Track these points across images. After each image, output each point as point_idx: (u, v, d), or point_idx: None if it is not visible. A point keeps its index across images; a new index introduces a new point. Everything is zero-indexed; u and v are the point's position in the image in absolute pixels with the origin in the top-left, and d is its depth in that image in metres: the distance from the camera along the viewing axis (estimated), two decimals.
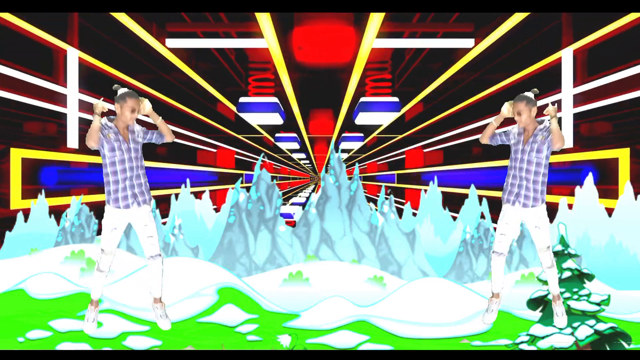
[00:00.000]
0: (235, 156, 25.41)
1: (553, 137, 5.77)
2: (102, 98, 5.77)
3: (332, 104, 17.73)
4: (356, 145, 28.70)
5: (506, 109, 5.91)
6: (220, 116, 19.75)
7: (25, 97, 10.95)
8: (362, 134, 25.78)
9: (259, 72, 13.66)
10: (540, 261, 6.11)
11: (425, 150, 24.33)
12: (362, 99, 14.21)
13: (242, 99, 13.95)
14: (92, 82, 12.53)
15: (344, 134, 24.95)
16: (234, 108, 15.96)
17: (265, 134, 22.09)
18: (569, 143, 11.33)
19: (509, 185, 6.00)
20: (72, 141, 11.80)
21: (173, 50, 11.69)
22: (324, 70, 13.37)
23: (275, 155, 33.05)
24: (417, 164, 25.14)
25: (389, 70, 13.68)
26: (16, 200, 10.28)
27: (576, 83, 11.86)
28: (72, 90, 12.01)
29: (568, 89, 11.89)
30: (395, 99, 14.02)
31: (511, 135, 6.02)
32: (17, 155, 10.60)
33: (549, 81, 12.32)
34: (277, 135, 20.44)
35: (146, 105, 5.80)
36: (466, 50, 11.26)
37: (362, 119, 14.83)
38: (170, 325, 6.29)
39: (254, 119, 15.07)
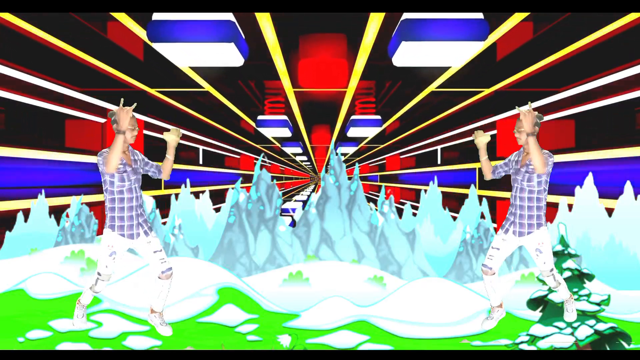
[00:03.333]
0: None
1: (532, 159, 5.46)
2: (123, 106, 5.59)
3: (329, 121, 20.45)
4: (350, 150, 28.61)
5: (477, 139, 5.84)
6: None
7: None
8: (355, 142, 26.24)
9: (273, 97, 16.36)
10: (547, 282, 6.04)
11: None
12: (352, 117, 16.81)
13: (260, 117, 16.62)
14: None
15: (339, 142, 25.86)
16: (253, 124, 18.05)
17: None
18: None
19: (508, 212, 5.90)
20: None
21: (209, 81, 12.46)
22: (322, 97, 15.64)
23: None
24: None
25: (373, 94, 16.23)
26: None
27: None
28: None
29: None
30: (378, 117, 16.50)
31: (510, 163, 5.88)
32: None
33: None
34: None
35: (176, 138, 5.74)
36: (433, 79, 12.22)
37: (353, 132, 17.77)
38: (171, 331, 6.25)
39: (269, 133, 18.06)
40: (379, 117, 16.64)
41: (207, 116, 18.02)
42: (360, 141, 26.38)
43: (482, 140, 5.78)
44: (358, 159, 41.03)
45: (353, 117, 17.00)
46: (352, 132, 17.93)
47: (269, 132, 18.16)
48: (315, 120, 21.15)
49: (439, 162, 24.76)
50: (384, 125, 19.40)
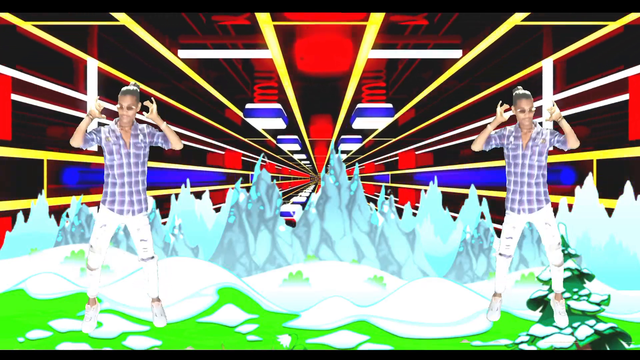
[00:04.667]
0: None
1: (569, 138, 5.68)
2: (99, 97, 5.78)
3: (331, 109, 17.62)
4: (354, 147, 26.21)
5: (500, 113, 5.80)
6: (227, 121, 17.68)
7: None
8: (360, 136, 23.66)
9: (263, 81, 13.94)
10: (550, 260, 6.11)
11: None
12: (359, 105, 14.59)
13: (248, 105, 14.25)
14: (110, 89, 12.77)
15: (342, 137, 23.39)
16: (240, 113, 15.89)
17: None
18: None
19: (511, 193, 5.89)
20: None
21: (185, 61, 11.81)
22: (323, 79, 13.55)
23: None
24: None
25: (383, 78, 13.85)
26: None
27: (556, 90, 12.29)
28: (91, 96, 12.43)
29: (548, 96, 12.46)
30: (389, 105, 14.27)
31: (506, 139, 5.88)
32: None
33: (530, 89, 12.67)
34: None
35: (153, 109, 5.74)
36: (454, 60, 11.50)
37: (359, 123, 15.27)
38: (165, 323, 6.33)
39: (259, 124, 15.49)
40: (390, 105, 14.13)
41: (186, 104, 15.75)
42: (367, 134, 22.62)
43: (504, 116, 5.75)
44: (363, 156, 36.44)
45: (359, 105, 14.48)
46: (359, 123, 15.02)
47: (259, 123, 15.43)
48: (315, 109, 18.11)
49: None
50: (397, 115, 16.52)
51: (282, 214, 10.57)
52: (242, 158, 26.71)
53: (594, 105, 11.42)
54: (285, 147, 25.76)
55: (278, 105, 14.38)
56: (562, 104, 12.21)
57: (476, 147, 5.83)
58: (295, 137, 23.48)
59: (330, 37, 10.39)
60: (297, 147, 25.73)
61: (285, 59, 11.22)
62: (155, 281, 6.21)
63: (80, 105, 12.38)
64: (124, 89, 5.69)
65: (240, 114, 15.69)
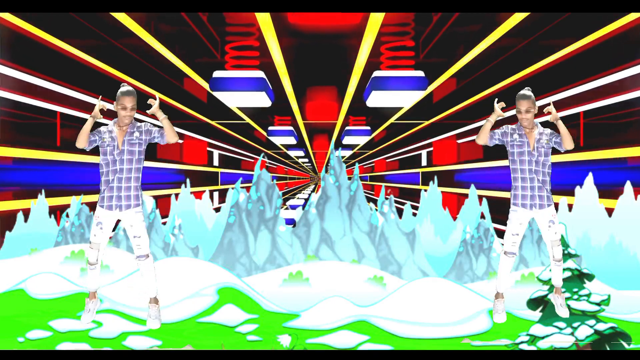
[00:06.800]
0: None
1: (564, 140, 5.79)
2: (101, 97, 5.83)
3: (336, 80, 12.35)
4: (361, 140, 19.50)
5: (496, 109, 5.88)
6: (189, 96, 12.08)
7: None
8: (368, 128, 17.52)
9: (239, 38, 9.93)
10: (552, 255, 6.15)
11: None
12: (376, 74, 10.65)
13: (217, 73, 10.42)
14: (17, 51, 9.06)
15: (347, 127, 17.48)
16: (206, 85, 11.41)
17: None
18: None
19: (520, 189, 5.98)
20: None
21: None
22: (325, 35, 9.78)
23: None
24: None
25: (411, 35, 9.82)
26: None
27: None
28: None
29: None
30: (420, 74, 10.47)
31: (509, 136, 5.97)
32: None
33: (622, 52, 9.12)
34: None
35: (156, 104, 5.83)
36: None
37: (375, 99, 11.04)
38: (158, 325, 6.37)
39: (233, 100, 11.02)
40: (421, 73, 10.39)
41: (128, 72, 11.12)
42: (388, 115, 15.89)
43: (500, 112, 5.86)
44: (376, 149, 27.15)
45: (377, 73, 10.54)
46: (376, 99, 10.89)
47: (232, 100, 11.15)
48: (313, 80, 12.90)
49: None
50: (431, 88, 11.79)
51: (288, 221, 10.40)
52: (209, 149, 19.13)
53: None
54: (276, 140, 20.01)
55: (260, 74, 10.64)
56: None
57: (480, 140, 5.95)
58: (291, 128, 18.11)
59: None
60: (292, 140, 20.08)
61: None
62: (152, 280, 6.24)
63: None
64: (124, 89, 5.79)
65: (206, 85, 11.48)
